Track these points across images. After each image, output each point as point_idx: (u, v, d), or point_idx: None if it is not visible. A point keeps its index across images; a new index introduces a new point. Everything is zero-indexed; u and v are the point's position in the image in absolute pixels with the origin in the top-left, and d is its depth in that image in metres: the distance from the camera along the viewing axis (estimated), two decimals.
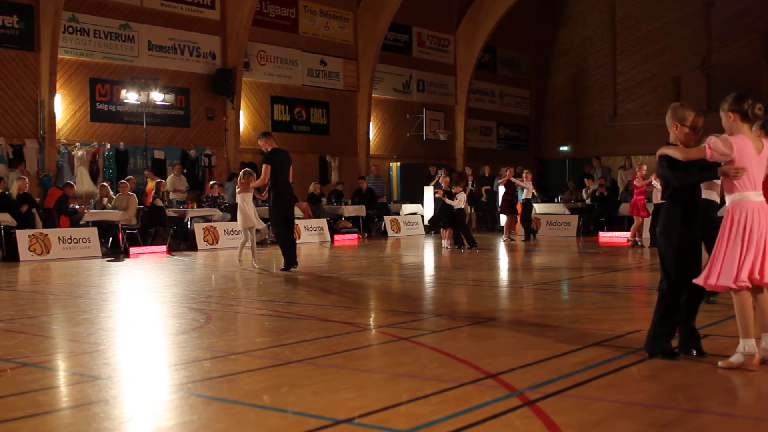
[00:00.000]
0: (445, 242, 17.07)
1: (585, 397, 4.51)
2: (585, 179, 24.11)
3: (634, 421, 4.09)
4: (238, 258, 13.28)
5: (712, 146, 5.12)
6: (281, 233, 12.46)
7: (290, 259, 12.29)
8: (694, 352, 5.44)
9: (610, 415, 4.18)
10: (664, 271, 5.49)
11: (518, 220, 19.93)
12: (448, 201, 16.78)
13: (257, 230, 13.77)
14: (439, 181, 18.61)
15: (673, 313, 5.45)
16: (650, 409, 4.30)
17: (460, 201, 16.85)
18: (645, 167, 16.64)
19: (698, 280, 5.23)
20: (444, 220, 17.14)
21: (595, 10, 31.90)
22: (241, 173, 13.30)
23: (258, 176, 13.02)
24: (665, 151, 5.40)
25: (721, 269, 5.12)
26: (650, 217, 16.21)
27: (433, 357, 5.68)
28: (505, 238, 19.16)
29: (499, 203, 20.83)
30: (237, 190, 13.23)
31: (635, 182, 16.66)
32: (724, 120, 5.25)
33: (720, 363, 5.17)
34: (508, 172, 19.64)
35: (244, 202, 12.91)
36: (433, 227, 19.11)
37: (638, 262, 13.73)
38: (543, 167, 33.12)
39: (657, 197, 16.07)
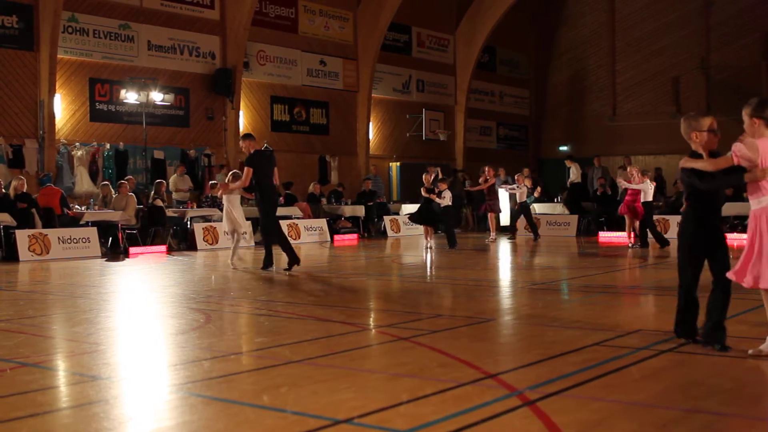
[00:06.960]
0: (429, 241, 17.05)
1: (585, 397, 4.51)
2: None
3: (634, 421, 4.09)
4: (231, 262, 13.01)
5: (738, 153, 5.26)
6: (279, 234, 12.42)
7: (293, 258, 12.22)
8: (717, 346, 5.56)
9: (610, 414, 4.19)
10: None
11: (500, 219, 19.93)
12: (437, 199, 16.79)
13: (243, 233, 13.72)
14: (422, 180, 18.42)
15: (683, 307, 5.79)
16: (650, 408, 4.30)
17: (446, 199, 16.89)
18: (634, 169, 16.60)
19: (746, 282, 5.32)
20: (424, 217, 17.11)
21: (595, 10, 31.91)
22: (230, 174, 13.25)
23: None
24: (694, 165, 5.56)
25: (742, 268, 5.27)
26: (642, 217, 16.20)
27: (432, 357, 5.68)
28: (491, 238, 19.05)
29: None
30: (228, 189, 12.98)
31: (622, 183, 16.83)
32: (747, 124, 5.37)
33: (750, 351, 5.32)
34: (490, 174, 19.14)
35: (231, 204, 12.90)
36: (414, 222, 18.63)
37: (637, 262, 13.72)
38: (542, 167, 33.12)
39: (643, 197, 16.09)
